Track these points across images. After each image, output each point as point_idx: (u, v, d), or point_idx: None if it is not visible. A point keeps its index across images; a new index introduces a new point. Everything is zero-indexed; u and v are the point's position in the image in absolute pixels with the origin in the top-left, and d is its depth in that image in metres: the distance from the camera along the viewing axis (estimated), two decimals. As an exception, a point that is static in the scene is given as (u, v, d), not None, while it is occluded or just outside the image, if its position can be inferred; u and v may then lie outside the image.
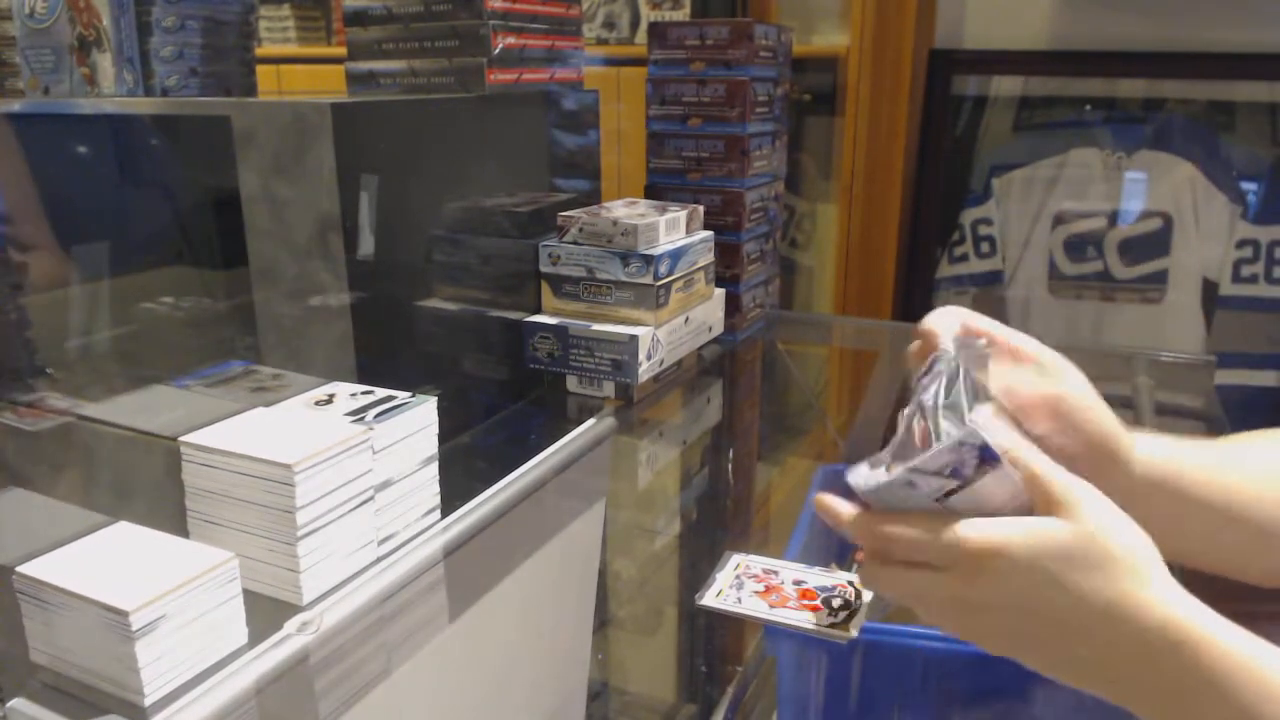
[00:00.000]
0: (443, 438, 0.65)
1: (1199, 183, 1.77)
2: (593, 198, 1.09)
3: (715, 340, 1.12)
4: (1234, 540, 0.58)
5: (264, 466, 0.53)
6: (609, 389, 0.96)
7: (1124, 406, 1.06)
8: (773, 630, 0.68)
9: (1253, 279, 1.75)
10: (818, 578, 0.70)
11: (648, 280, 0.93)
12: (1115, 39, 1.81)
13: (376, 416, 0.60)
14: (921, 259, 2.00)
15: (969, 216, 1.94)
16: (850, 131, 1.91)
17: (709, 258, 1.07)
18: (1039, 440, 0.55)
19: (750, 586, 0.69)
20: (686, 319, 1.02)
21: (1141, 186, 1.81)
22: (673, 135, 1.15)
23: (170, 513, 0.57)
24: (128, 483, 0.67)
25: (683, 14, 2.04)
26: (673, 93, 1.14)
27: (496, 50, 0.90)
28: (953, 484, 0.47)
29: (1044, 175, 1.88)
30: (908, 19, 1.82)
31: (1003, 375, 0.54)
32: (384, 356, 0.78)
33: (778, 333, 1.33)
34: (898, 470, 0.49)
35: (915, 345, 0.57)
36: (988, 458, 0.47)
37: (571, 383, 0.97)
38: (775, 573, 0.71)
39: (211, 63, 0.97)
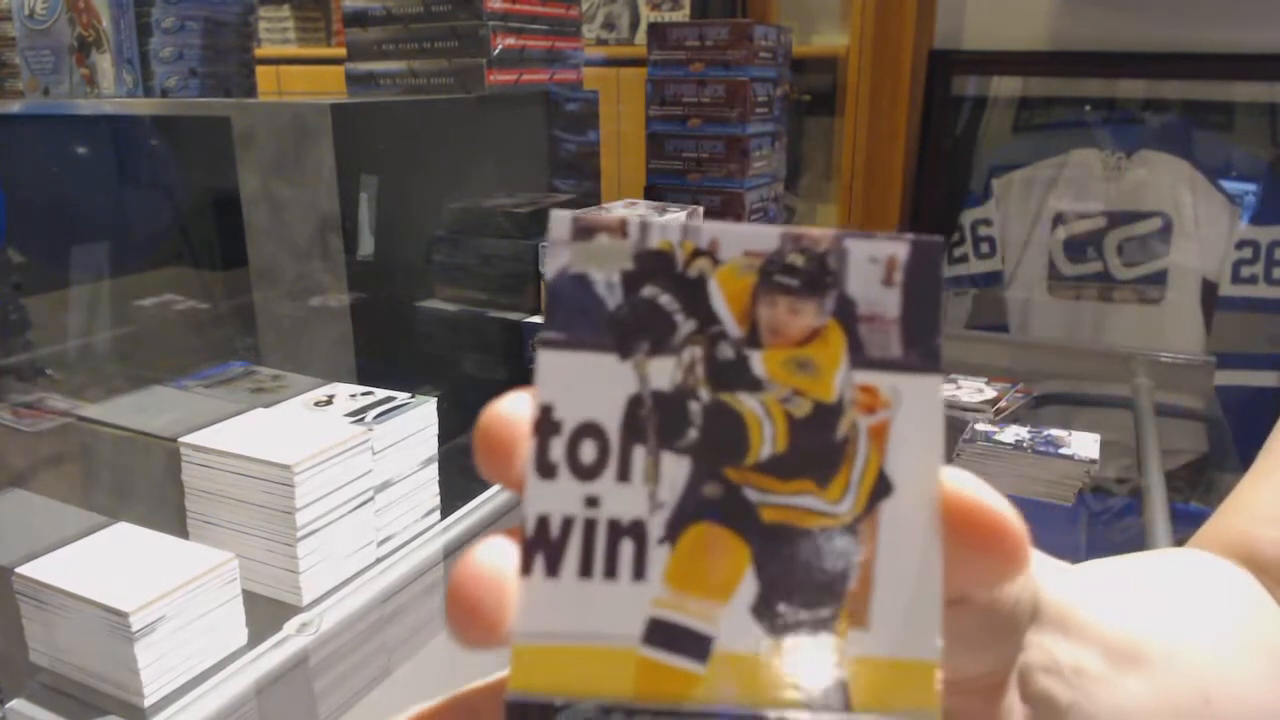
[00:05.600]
0: (443, 438, 0.65)
1: (1198, 183, 1.77)
2: (592, 198, 1.08)
3: (715, 341, 1.12)
4: None
5: (264, 467, 0.53)
6: (609, 389, 0.95)
7: (1124, 407, 1.06)
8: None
9: (1252, 279, 1.75)
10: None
11: (647, 281, 0.93)
12: (1115, 39, 1.81)
13: (376, 417, 0.60)
14: (921, 259, 2.00)
15: (969, 217, 1.94)
16: (850, 131, 1.91)
17: (709, 258, 1.06)
18: None
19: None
20: (686, 319, 1.02)
21: (1141, 187, 1.81)
22: (672, 136, 1.15)
23: (170, 513, 0.57)
24: (128, 483, 0.67)
25: (682, 14, 2.04)
26: (672, 93, 1.14)
27: (496, 51, 0.91)
28: None
29: (1044, 176, 1.88)
30: (908, 19, 1.82)
31: None
32: (384, 357, 0.78)
33: (777, 333, 1.33)
34: None
35: None
36: None
37: (571, 383, 0.97)
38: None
39: (211, 64, 0.97)
